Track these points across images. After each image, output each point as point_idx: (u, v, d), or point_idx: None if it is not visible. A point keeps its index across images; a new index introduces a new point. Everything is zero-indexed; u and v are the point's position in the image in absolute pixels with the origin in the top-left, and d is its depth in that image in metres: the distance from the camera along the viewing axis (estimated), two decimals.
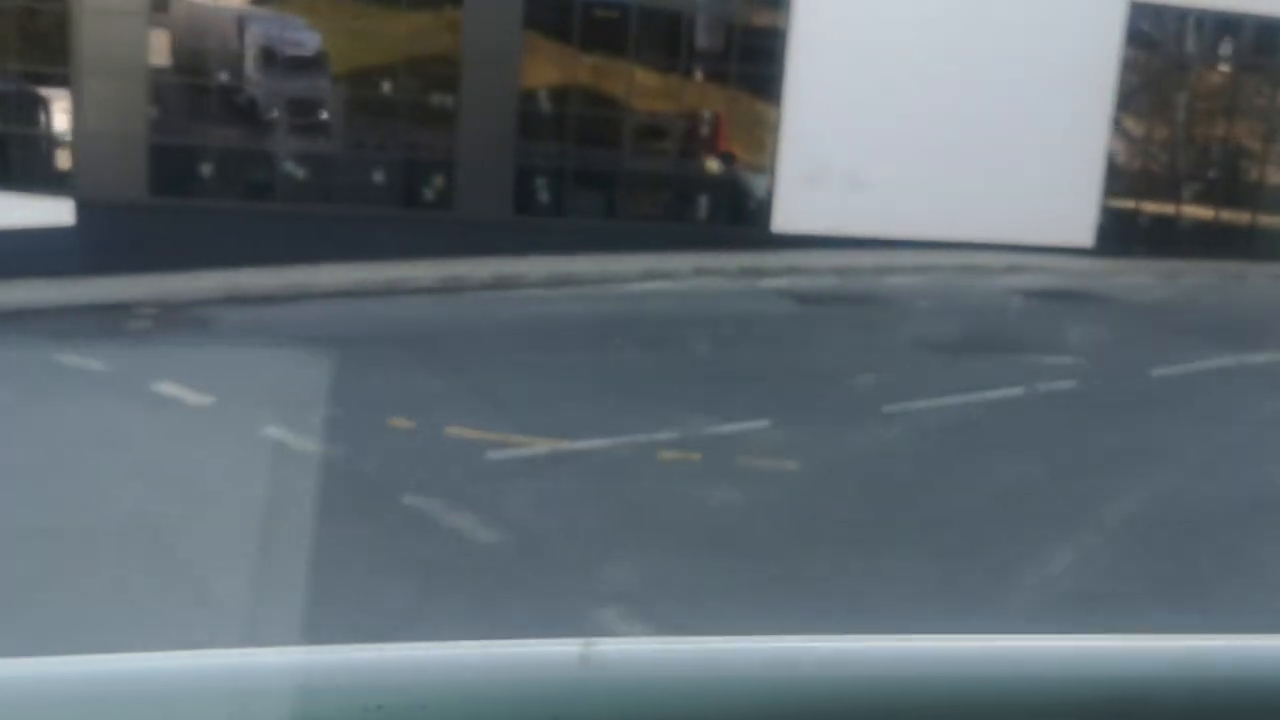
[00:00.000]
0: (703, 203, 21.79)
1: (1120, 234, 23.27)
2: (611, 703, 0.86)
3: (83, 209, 18.67)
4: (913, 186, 20.70)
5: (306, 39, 20.37)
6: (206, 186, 19.80)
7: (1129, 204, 23.85)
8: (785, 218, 20.97)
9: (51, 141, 19.66)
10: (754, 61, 21.36)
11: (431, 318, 15.66)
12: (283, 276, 18.94)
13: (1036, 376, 11.46)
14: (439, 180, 20.77)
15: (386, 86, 20.46)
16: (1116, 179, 23.36)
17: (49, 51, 19.06)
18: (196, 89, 19.80)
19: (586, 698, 0.86)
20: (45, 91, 19.35)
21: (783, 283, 17.29)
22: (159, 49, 19.33)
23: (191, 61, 19.75)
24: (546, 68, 21.05)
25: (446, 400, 10.29)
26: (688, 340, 12.71)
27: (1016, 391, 10.84)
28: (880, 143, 20.79)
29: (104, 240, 18.52)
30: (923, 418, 10.06)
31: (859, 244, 20.60)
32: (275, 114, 19.91)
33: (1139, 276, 20.66)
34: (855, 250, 20.59)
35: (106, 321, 15.48)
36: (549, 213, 20.96)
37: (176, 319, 15.93)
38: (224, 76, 19.75)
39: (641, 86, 21.43)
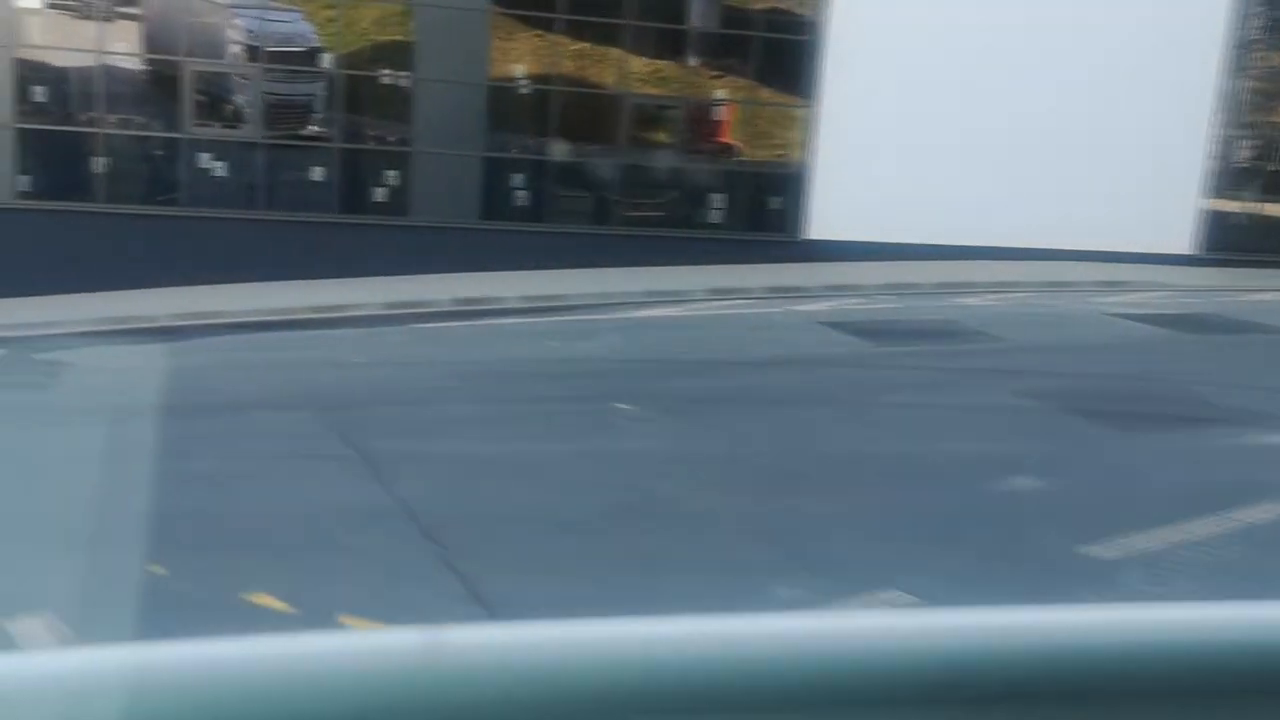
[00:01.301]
0: (714, 206, 17.46)
1: (1219, 240, 18.97)
2: (454, 690, 0.85)
3: None
4: (984, 191, 16.39)
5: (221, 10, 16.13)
6: (93, 186, 15.52)
7: (1229, 206, 19.53)
8: (822, 223, 16.64)
9: None
10: (780, 47, 17.09)
11: (365, 361, 11.34)
12: (180, 300, 14.64)
13: None
14: (390, 180, 16.47)
15: (323, 69, 16.19)
16: (1217, 181, 19.06)
17: None
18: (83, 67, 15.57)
19: (429, 686, 0.84)
20: None
21: (826, 307, 12.91)
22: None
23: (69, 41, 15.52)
24: (521, 47, 16.74)
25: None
26: (713, 409, 7.58)
27: None
28: (941, 143, 16.53)
29: None
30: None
31: (890, 252, 16.25)
32: (185, 98, 15.65)
33: (1266, 293, 16.27)
34: (896, 262, 16.26)
35: None
36: (524, 219, 16.65)
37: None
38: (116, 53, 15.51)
39: (639, 70, 17.13)
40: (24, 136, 15.08)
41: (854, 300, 13.87)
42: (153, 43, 15.91)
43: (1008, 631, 0.91)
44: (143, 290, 15.20)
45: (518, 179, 16.75)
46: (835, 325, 11.86)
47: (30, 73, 15.30)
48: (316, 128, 16.56)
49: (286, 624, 3.93)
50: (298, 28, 16.26)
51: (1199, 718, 0.92)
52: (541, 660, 0.87)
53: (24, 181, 15.15)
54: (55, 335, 13.19)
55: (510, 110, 16.72)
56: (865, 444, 6.72)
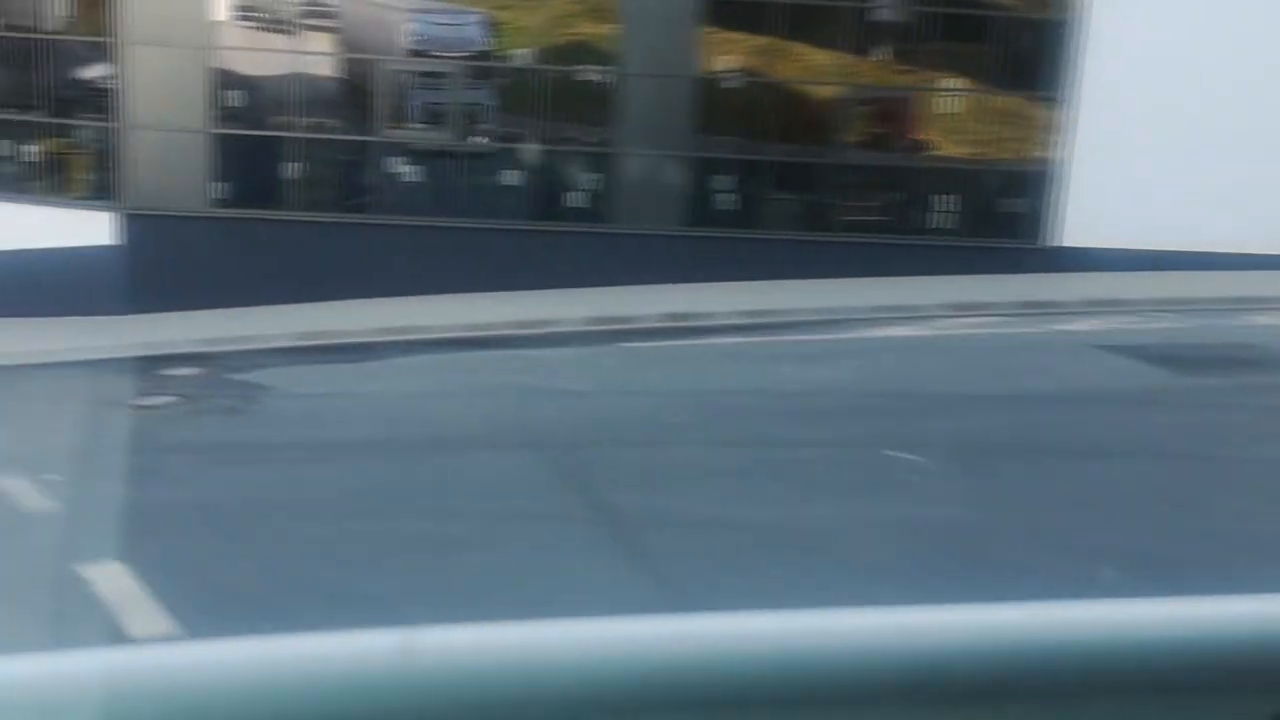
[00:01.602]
0: (943, 209, 15.68)
1: None
2: (431, 691, 0.85)
3: None
4: (1269, 193, 14.16)
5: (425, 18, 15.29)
6: (285, 193, 14.87)
7: None
8: (1076, 228, 14.68)
9: None
10: (1025, 34, 15.22)
11: (580, 389, 10.18)
12: (373, 314, 13.80)
13: None
14: (588, 184, 15.33)
15: (518, 67, 15.18)
16: None
17: None
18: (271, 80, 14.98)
19: (406, 687, 0.84)
20: None
21: (1104, 327, 11.06)
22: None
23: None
24: (733, 37, 15.35)
25: None
26: (1015, 461, 6.16)
27: None
28: (1215, 140, 14.35)
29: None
30: None
31: (1155, 261, 14.15)
32: (377, 102, 14.87)
33: None
34: (1164, 272, 14.16)
35: None
36: (734, 224, 15.26)
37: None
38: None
39: (861, 61, 15.53)
40: (218, 143, 14.56)
41: (1126, 318, 11.95)
42: (345, 45, 15.21)
43: (993, 629, 0.92)
44: (334, 302, 14.48)
45: (727, 181, 15.38)
46: (1116, 350, 10.05)
47: (224, 79, 14.78)
48: (510, 129, 15.56)
49: None
50: (487, 27, 15.30)
51: (1185, 710, 0.90)
52: (516, 661, 0.86)
53: (218, 189, 14.63)
54: (248, 352, 12.49)
55: (720, 106, 15.37)
56: (1240, 516, 5.18)
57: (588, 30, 15.49)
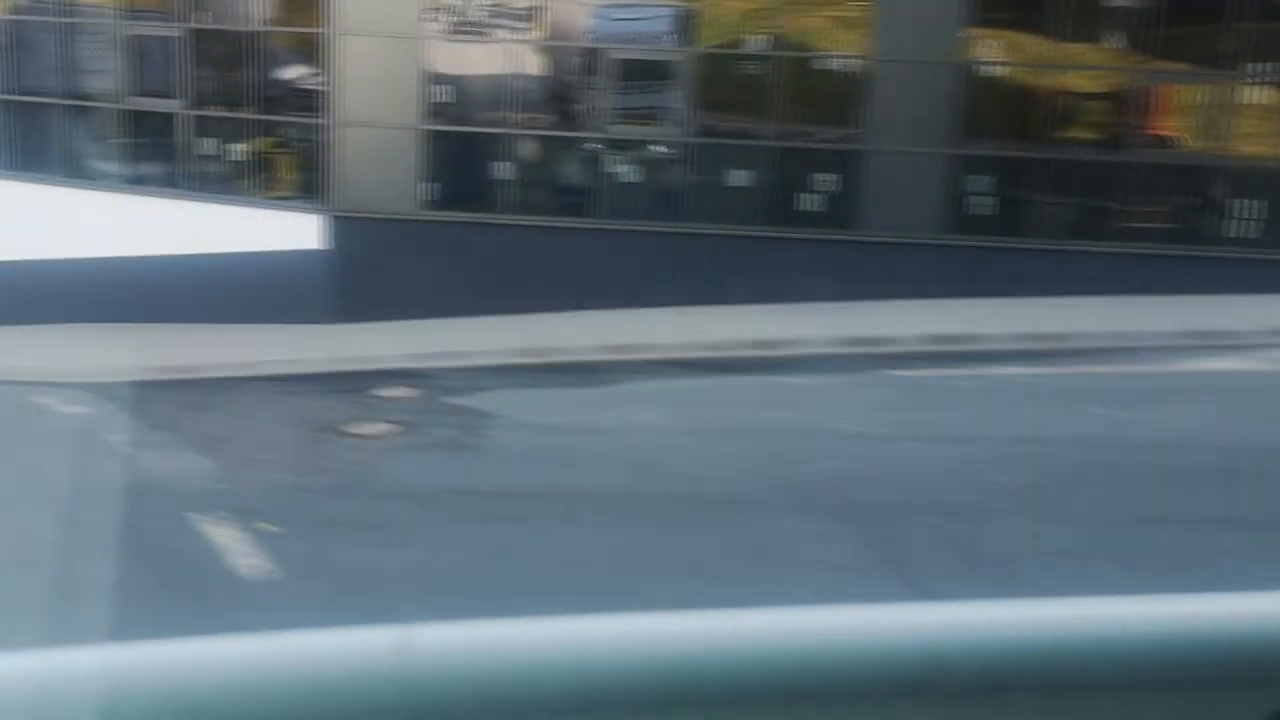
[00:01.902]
0: (1243, 216, 13.39)
1: None
2: (426, 687, 0.85)
3: None
4: None
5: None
6: (497, 194, 13.72)
7: None
8: None
9: None
10: None
11: (857, 431, 8.57)
12: (593, 328, 12.48)
13: None
14: (826, 185, 13.67)
15: (749, 57, 13.66)
16: None
17: None
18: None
19: (401, 683, 0.85)
20: None
21: None
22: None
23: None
24: (1002, 16, 13.43)
25: None
26: None
27: None
28: None
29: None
30: None
31: None
32: (594, 96, 13.56)
33: None
34: None
35: None
36: (998, 232, 13.34)
37: None
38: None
39: (1149, 44, 13.38)
40: (429, 140, 13.52)
41: None
42: (560, 38, 13.98)
43: (996, 625, 0.91)
44: (549, 314, 13.26)
45: (991, 182, 13.49)
46: None
47: (435, 73, 13.73)
48: (739, 125, 14.04)
49: None
50: (704, 15, 13.81)
51: (1181, 706, 0.90)
52: (510, 657, 0.86)
53: (428, 190, 13.60)
54: (465, 370, 11.34)
55: (984, 97, 13.50)
56: None
57: (830, 13, 13.84)
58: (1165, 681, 0.93)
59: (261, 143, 13.84)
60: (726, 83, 13.95)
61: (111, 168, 14.78)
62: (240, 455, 8.63)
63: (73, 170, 14.77)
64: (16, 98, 14.94)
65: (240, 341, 12.90)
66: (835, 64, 13.64)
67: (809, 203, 13.71)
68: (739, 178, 13.86)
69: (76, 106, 14.70)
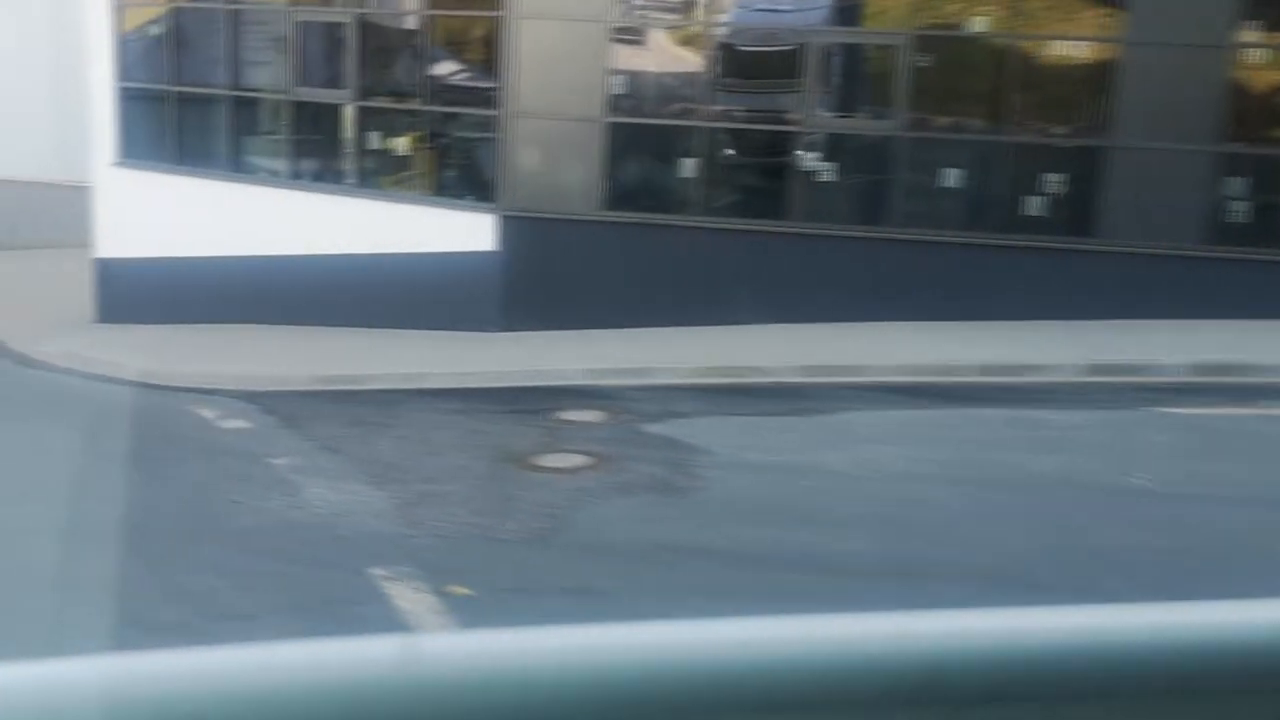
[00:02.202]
0: None
1: None
2: (430, 698, 0.85)
3: None
4: None
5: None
6: (681, 193, 12.45)
7: None
8: None
9: None
10: None
11: (1148, 481, 6.90)
12: (797, 345, 11.11)
13: None
14: (1056, 185, 12.02)
15: (968, 39, 12.10)
16: None
17: None
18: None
19: (405, 694, 0.84)
20: None
21: None
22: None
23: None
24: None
25: None
26: None
27: None
28: None
29: None
30: None
31: None
32: (801, 80, 12.17)
33: None
34: None
35: None
36: (1264, 244, 11.48)
37: None
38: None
39: None
40: (612, 133, 12.31)
41: None
42: (759, 21, 12.65)
43: (992, 634, 0.92)
44: (741, 326, 11.92)
45: (1260, 186, 11.61)
46: None
47: (620, 62, 12.53)
48: (961, 117, 12.47)
49: None
50: None
51: (1180, 715, 0.91)
52: (516, 667, 0.86)
53: (609, 188, 12.40)
54: (652, 389, 10.05)
55: (1258, 87, 11.64)
56: None
57: None
58: (1172, 689, 0.90)
59: (430, 136, 12.85)
60: (946, 70, 12.38)
61: (275, 162, 14.02)
62: (418, 489, 6.73)
63: (235, 165, 14.07)
64: (178, 89, 14.33)
65: (406, 349, 11.46)
66: (1075, 48, 11.95)
67: (1039, 206, 12.05)
68: (956, 177, 12.29)
69: (239, 98, 13.98)
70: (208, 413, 9.30)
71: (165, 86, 14.39)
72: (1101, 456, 7.48)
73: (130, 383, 11.02)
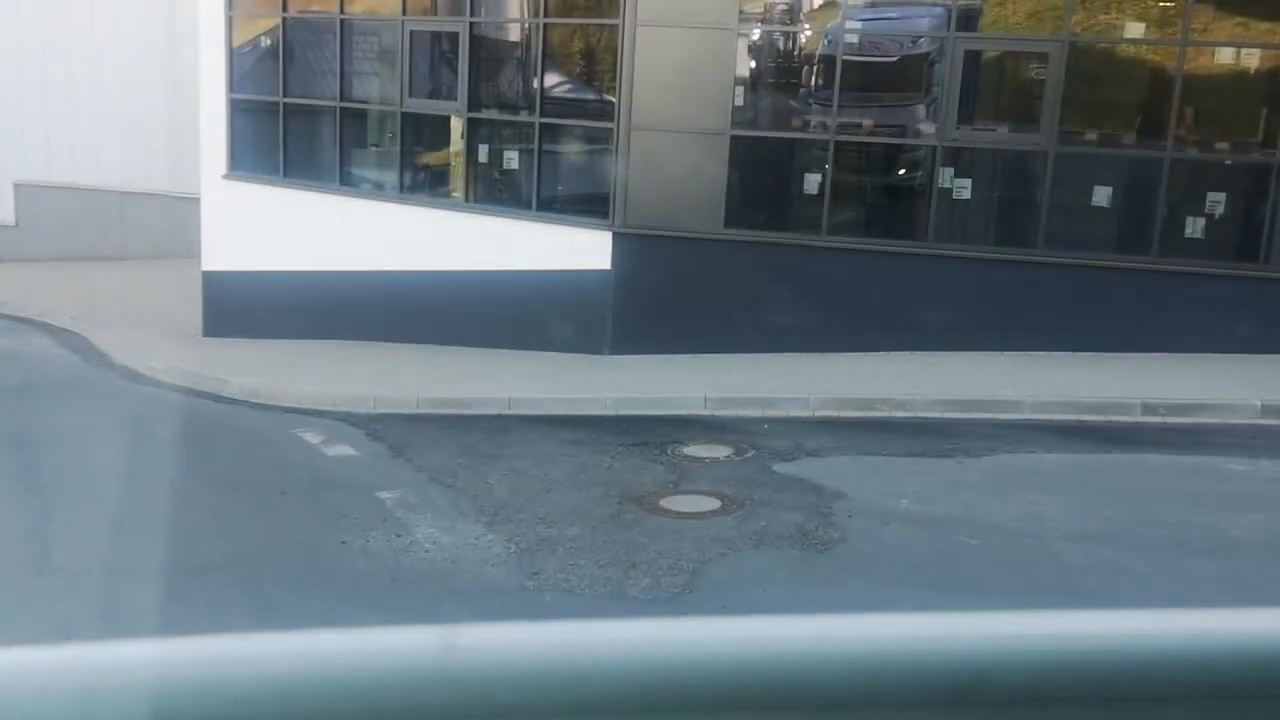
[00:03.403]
0: None
1: None
2: (470, 688, 0.86)
3: None
4: None
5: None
6: (818, 214, 11.89)
7: None
8: None
9: None
10: None
11: None
12: (927, 377, 10.47)
13: None
14: (1234, 209, 11.17)
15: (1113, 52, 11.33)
16: None
17: None
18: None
19: (446, 684, 0.85)
20: None
21: None
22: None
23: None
24: None
25: None
26: None
27: None
28: None
29: None
30: None
31: None
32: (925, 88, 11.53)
33: None
34: None
35: None
36: None
37: None
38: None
39: None
40: (737, 148, 11.81)
41: None
42: (894, 27, 12.03)
43: (1021, 636, 0.91)
44: (871, 354, 11.30)
45: None
46: None
47: (747, 71, 12.03)
48: (1118, 129, 11.68)
49: None
50: None
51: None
52: (553, 659, 0.86)
53: (732, 205, 11.88)
54: (780, 421, 9.48)
55: None
56: None
57: None
58: (1200, 695, 0.91)
59: (544, 150, 12.50)
60: (1102, 78, 11.63)
61: (383, 175, 13.83)
62: (537, 533, 5.88)
63: (344, 178, 13.90)
64: (287, 100, 14.24)
65: (516, 372, 10.60)
66: (1251, 55, 11.10)
67: (1204, 228, 11.20)
68: (1110, 196, 11.50)
69: (348, 110, 13.82)
70: (312, 437, 9.01)
71: (275, 98, 14.32)
72: None
73: (235, 401, 10.84)
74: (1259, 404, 9.42)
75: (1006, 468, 8.02)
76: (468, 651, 0.86)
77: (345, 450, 8.51)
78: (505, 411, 10.08)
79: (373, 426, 9.40)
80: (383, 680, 0.83)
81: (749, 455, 8.30)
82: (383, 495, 7.11)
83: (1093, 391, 9.87)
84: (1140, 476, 7.76)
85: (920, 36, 11.92)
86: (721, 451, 8.40)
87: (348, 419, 9.70)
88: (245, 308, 14.19)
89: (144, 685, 0.81)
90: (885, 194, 12.57)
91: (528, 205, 12.60)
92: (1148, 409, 9.52)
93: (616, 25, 11.78)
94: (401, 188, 13.43)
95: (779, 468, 7.86)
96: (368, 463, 8.16)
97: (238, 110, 14.69)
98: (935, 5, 11.59)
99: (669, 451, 8.37)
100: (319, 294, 13.76)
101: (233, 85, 14.60)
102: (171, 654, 0.85)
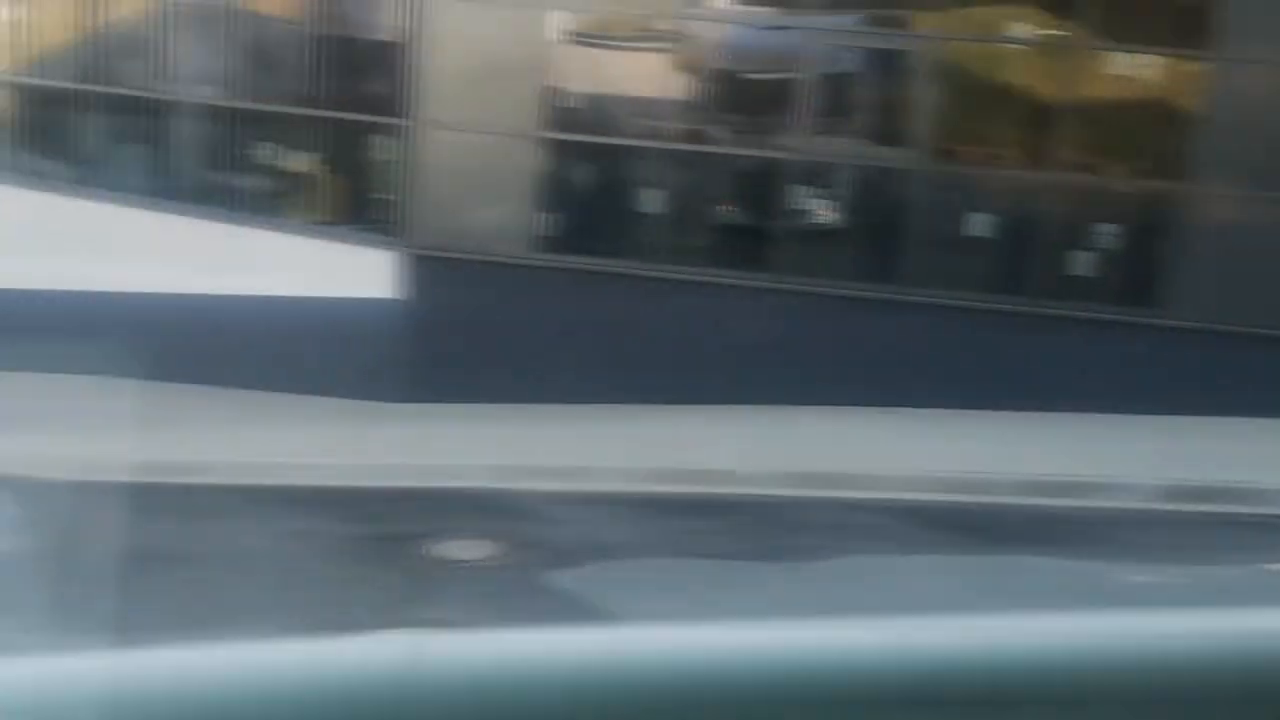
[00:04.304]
0: None
1: None
2: (440, 693, 0.86)
3: None
4: None
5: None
6: (650, 237, 10.12)
7: None
8: None
9: None
10: None
11: None
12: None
13: None
14: (1124, 245, 9.76)
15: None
16: None
17: None
18: None
19: (416, 689, 0.85)
20: None
21: None
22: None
23: None
24: None
25: None
26: None
27: None
28: None
29: None
30: None
31: None
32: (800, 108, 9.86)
33: None
34: None
35: None
36: None
37: None
38: None
39: None
40: (550, 154, 9.97)
41: None
42: (746, 15, 10.39)
43: (994, 637, 0.93)
44: (706, 408, 9.55)
45: None
46: None
47: (564, 59, 10.21)
48: (995, 148, 10.19)
49: None
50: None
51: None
52: (522, 666, 0.86)
53: (546, 223, 10.04)
54: (576, 498, 7.63)
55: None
56: None
57: None
58: (1168, 696, 0.89)
59: (319, 149, 10.45)
60: (973, 88, 10.09)
61: (134, 175, 11.60)
62: None
63: (86, 177, 11.63)
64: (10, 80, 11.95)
65: (275, 423, 7.43)
66: (1149, 64, 9.66)
67: (1090, 266, 9.75)
68: (984, 224, 9.99)
69: (89, 94, 11.55)
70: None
71: (17, 80, 12.02)
72: None
73: None
74: (1156, 483, 7.89)
75: (851, 579, 6.28)
76: (435, 657, 0.85)
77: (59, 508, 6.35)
78: (234, 480, 8.01)
79: (43, 502, 7.23)
80: (353, 687, 0.82)
81: (520, 556, 6.41)
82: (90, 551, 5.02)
83: (961, 462, 8.25)
84: (1016, 595, 6.10)
85: (780, 30, 10.26)
86: (484, 550, 6.49)
87: (17, 489, 7.50)
88: None
89: (103, 696, 0.78)
90: (734, 216, 10.85)
91: (301, 215, 10.55)
92: (1022, 487, 7.94)
93: (405, 2, 9.85)
94: (151, 190, 11.20)
95: (551, 578, 5.98)
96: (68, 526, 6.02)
97: None
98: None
99: (416, 551, 6.44)
100: (59, 318, 11.50)
101: None
102: (133, 662, 0.83)
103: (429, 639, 0.90)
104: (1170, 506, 7.60)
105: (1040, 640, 0.96)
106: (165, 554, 6.40)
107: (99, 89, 11.47)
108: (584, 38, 10.42)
